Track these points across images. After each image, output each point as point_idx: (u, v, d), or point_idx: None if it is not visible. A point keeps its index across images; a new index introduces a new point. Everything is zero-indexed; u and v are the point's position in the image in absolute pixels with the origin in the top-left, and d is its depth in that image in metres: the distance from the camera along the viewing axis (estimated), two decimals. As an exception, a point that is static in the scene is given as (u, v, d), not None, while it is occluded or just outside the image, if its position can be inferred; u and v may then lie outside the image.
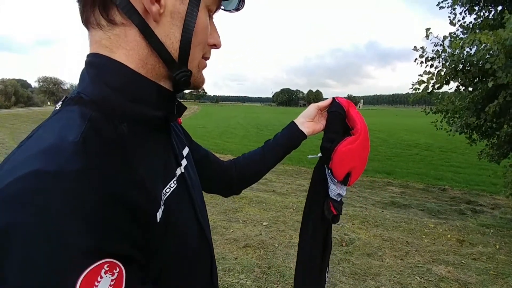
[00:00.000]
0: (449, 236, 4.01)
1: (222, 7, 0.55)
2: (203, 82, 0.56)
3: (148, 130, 0.49)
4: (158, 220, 0.44)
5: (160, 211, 0.45)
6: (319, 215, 0.86)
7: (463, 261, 3.31)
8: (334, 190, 0.84)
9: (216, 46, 0.56)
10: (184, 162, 0.61)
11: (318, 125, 0.93)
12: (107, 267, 0.32)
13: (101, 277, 0.32)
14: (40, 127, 0.42)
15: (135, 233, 0.38)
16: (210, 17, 0.53)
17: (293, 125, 0.93)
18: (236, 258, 3.13)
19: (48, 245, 0.30)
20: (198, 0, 0.48)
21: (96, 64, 0.47)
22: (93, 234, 0.32)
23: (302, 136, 0.91)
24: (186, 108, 0.58)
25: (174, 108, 0.54)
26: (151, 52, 0.47)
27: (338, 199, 0.84)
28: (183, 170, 0.58)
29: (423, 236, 3.99)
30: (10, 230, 0.30)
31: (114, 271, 0.33)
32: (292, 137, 0.91)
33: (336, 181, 0.83)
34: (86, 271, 0.31)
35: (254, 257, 3.18)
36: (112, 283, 0.33)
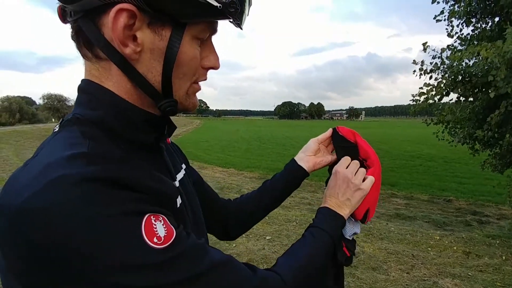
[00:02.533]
0: (455, 248, 3.95)
1: (231, 21, 0.50)
2: (194, 107, 0.55)
3: (140, 149, 0.51)
4: None
5: None
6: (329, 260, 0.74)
7: (469, 273, 3.25)
8: (350, 229, 0.75)
9: (214, 68, 0.55)
10: (179, 176, 0.62)
11: (321, 159, 0.84)
12: (153, 217, 0.40)
13: (155, 224, 0.39)
14: (43, 148, 0.45)
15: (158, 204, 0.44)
16: (207, 40, 0.52)
17: (292, 162, 0.85)
18: (239, 273, 3.09)
19: (109, 220, 0.36)
20: (180, 35, 0.46)
21: (88, 91, 0.50)
22: (129, 205, 0.39)
23: (300, 171, 0.82)
24: (176, 127, 0.60)
25: (165, 129, 0.56)
26: (134, 85, 0.49)
27: (351, 238, 0.76)
28: (177, 185, 0.59)
29: (429, 249, 3.94)
30: (70, 229, 0.35)
31: (160, 218, 0.41)
32: (290, 173, 0.83)
33: (353, 220, 0.75)
34: (143, 221, 0.38)
35: (257, 272, 3.14)
36: (164, 227, 0.40)
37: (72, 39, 0.49)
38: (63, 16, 0.48)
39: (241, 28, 0.52)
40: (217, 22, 0.51)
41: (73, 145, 0.42)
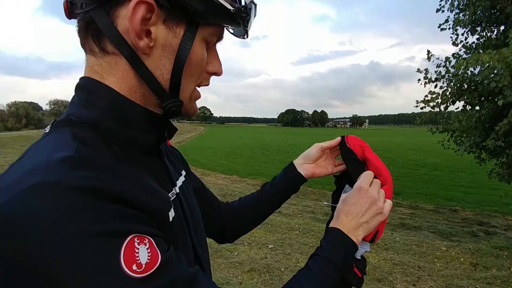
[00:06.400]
0: (462, 259, 3.86)
1: (232, 32, 0.54)
2: (194, 112, 0.55)
3: (139, 152, 0.49)
4: None
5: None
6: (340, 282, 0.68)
7: (477, 286, 3.17)
8: (361, 249, 0.70)
9: (217, 74, 0.55)
10: (179, 183, 0.60)
11: (321, 169, 0.82)
12: (137, 239, 0.36)
13: (138, 248, 0.35)
14: (30, 149, 0.42)
15: (144, 218, 0.40)
16: (212, 46, 0.53)
17: (291, 167, 0.83)
18: (240, 283, 3.04)
19: (82, 239, 0.33)
20: (193, 34, 0.47)
21: (86, 88, 0.47)
22: (111, 222, 0.35)
23: (299, 178, 0.81)
24: (176, 129, 0.58)
25: (165, 131, 0.54)
26: (141, 82, 0.47)
27: (360, 258, 0.71)
28: (178, 191, 0.57)
29: (435, 260, 3.85)
30: (42, 239, 0.32)
31: (145, 241, 0.37)
32: (289, 179, 0.82)
33: (363, 240, 0.69)
34: (124, 244, 0.34)
35: (259, 282, 3.08)
36: (149, 251, 0.36)
37: (78, 33, 0.48)
38: (70, 10, 0.47)
39: (247, 36, 0.54)
40: (223, 29, 0.52)
41: (60, 147, 0.39)
